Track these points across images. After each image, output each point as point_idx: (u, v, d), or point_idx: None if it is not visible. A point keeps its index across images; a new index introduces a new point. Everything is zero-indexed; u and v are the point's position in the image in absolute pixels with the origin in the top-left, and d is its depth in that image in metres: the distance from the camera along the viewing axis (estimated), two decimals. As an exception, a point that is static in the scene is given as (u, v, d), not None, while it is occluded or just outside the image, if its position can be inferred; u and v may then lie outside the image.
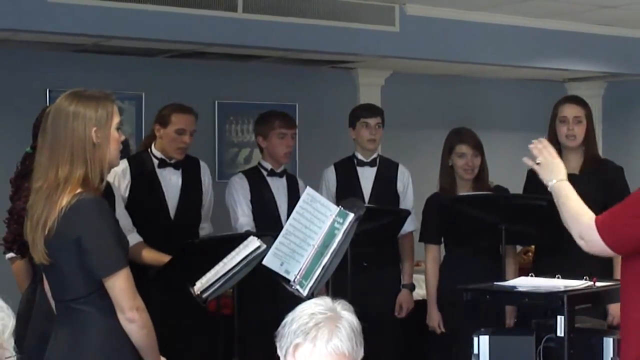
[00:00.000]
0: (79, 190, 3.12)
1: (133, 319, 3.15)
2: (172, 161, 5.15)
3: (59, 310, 3.30)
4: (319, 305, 2.44)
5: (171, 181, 5.14)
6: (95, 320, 3.18)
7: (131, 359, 3.22)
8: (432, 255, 5.38)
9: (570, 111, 5.03)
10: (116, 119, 3.24)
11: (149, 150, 5.14)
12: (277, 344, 2.44)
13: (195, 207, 5.23)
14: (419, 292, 5.82)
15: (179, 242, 4.57)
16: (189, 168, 5.23)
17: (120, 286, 3.13)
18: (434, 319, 5.34)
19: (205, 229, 5.30)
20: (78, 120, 3.16)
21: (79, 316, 3.20)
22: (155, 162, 5.12)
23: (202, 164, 5.36)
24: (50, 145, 3.20)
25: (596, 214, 4.88)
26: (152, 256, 4.70)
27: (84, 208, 3.10)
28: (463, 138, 5.27)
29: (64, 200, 3.10)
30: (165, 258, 4.61)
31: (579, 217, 3.43)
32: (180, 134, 5.08)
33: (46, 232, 3.12)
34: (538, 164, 3.60)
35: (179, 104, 5.22)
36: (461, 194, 5.22)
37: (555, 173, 3.55)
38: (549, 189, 3.56)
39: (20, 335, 4.17)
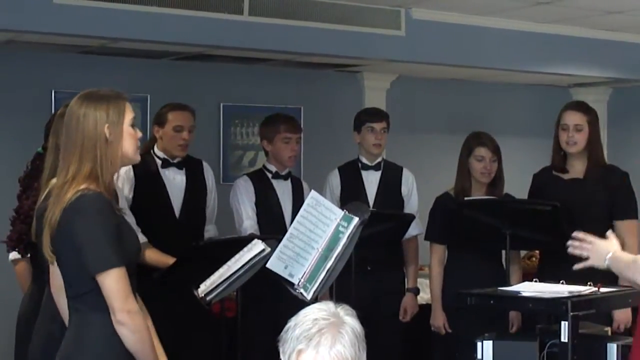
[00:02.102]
0: (83, 186, 3.12)
1: (123, 321, 3.09)
2: (175, 161, 5.17)
3: (68, 307, 3.30)
4: (321, 311, 2.44)
5: (175, 180, 5.16)
6: (90, 320, 3.16)
7: None
8: (437, 256, 5.37)
9: (570, 118, 5.04)
10: (129, 115, 3.24)
11: (152, 151, 5.15)
12: (280, 349, 2.44)
13: (200, 207, 5.24)
14: (423, 297, 5.81)
15: (184, 242, 4.58)
16: (192, 168, 5.25)
17: (109, 285, 3.08)
18: (439, 319, 5.31)
19: (210, 231, 5.30)
20: (88, 120, 3.17)
21: (79, 314, 3.19)
22: (159, 162, 5.14)
23: (205, 164, 5.37)
24: (63, 147, 3.22)
25: (600, 219, 4.93)
26: (156, 257, 4.71)
27: (82, 204, 3.10)
28: (483, 141, 5.27)
29: (67, 196, 3.11)
30: (169, 260, 4.62)
31: None
32: (178, 131, 5.11)
33: (52, 229, 3.13)
34: (587, 258, 3.66)
35: (174, 102, 5.25)
36: (467, 198, 5.22)
37: (603, 252, 3.58)
38: (607, 267, 3.60)
39: (23, 335, 4.20)
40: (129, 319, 3.10)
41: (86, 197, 3.11)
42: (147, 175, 5.01)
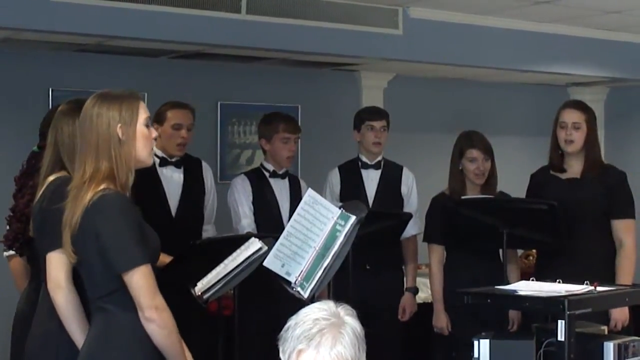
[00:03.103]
0: (102, 186, 3.13)
1: (151, 318, 3.11)
2: (174, 159, 5.16)
3: (91, 308, 3.30)
4: (322, 311, 2.44)
5: (173, 179, 5.15)
6: (118, 319, 3.16)
7: None
8: (436, 257, 5.35)
9: (569, 117, 5.03)
10: (143, 115, 3.23)
11: (150, 149, 5.14)
12: (280, 348, 2.43)
13: (197, 206, 5.23)
14: (420, 295, 5.81)
15: (180, 241, 4.57)
16: (190, 167, 5.23)
17: (137, 283, 3.10)
18: (442, 320, 5.29)
19: (209, 231, 5.29)
20: (102, 119, 3.17)
21: (104, 314, 3.19)
22: (157, 160, 5.12)
23: (204, 164, 5.36)
24: (78, 147, 3.23)
25: (597, 218, 4.94)
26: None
27: (104, 204, 3.11)
28: (474, 143, 5.25)
29: (88, 197, 3.11)
30: (166, 259, 4.61)
31: None
32: (177, 129, 5.10)
33: (72, 229, 3.14)
34: None
35: (174, 101, 5.23)
36: (463, 197, 5.21)
37: None
38: None
39: (20, 334, 4.19)
40: (157, 315, 3.12)
41: (108, 197, 3.12)
42: (144, 173, 4.98)
